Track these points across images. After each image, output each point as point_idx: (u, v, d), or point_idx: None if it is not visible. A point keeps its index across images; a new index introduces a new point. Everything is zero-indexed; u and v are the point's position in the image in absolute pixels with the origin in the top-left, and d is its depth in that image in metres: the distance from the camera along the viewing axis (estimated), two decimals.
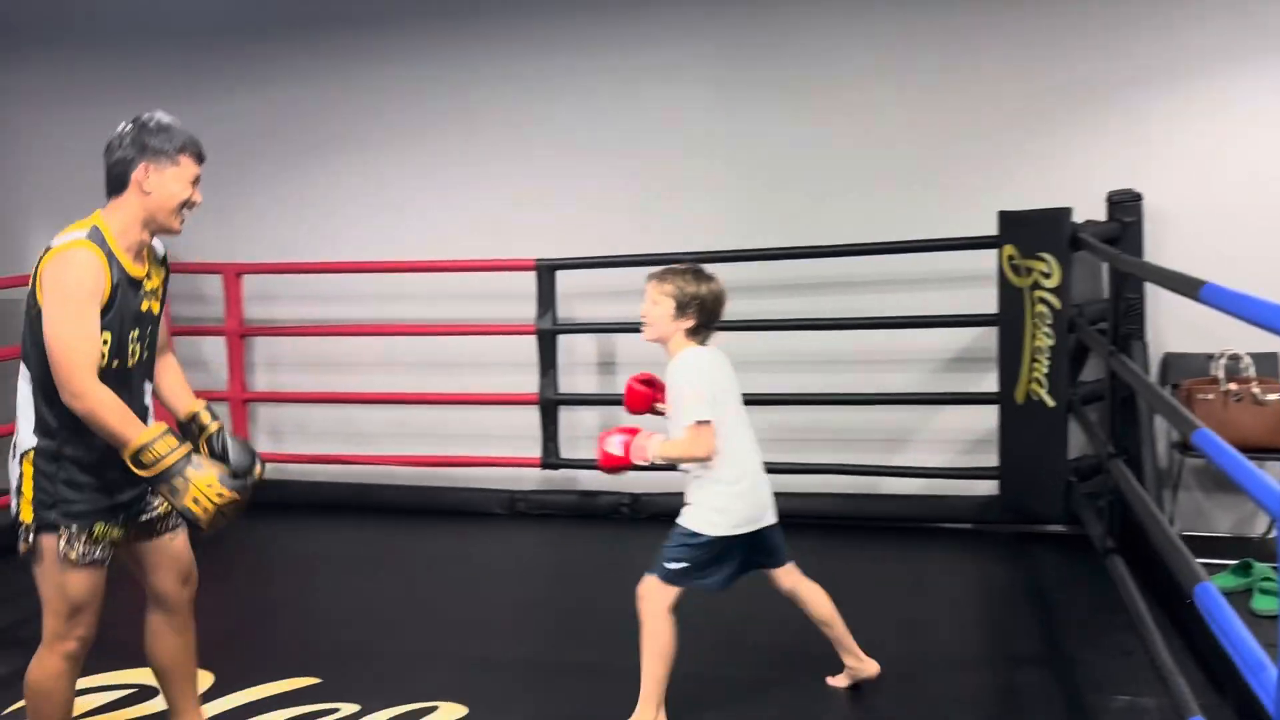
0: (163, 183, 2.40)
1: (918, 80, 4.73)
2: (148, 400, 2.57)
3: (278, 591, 3.96)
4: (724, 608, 4.08)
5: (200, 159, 2.48)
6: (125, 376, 2.44)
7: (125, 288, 2.40)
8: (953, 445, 4.81)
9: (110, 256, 2.36)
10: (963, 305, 4.63)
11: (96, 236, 2.36)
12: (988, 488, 4.66)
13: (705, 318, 2.88)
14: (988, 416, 4.61)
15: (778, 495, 4.91)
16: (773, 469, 4.72)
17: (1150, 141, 4.48)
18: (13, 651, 3.25)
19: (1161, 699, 2.96)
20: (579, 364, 5.17)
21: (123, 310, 2.40)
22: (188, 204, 2.45)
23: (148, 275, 2.49)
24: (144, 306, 2.48)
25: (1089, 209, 4.38)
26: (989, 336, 4.61)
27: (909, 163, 4.77)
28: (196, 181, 2.46)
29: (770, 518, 3.00)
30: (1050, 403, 4.05)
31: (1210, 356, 4.28)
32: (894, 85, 4.75)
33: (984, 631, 3.78)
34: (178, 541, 2.64)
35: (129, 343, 2.43)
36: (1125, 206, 4.30)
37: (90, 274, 2.32)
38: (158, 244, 2.56)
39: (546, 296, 4.82)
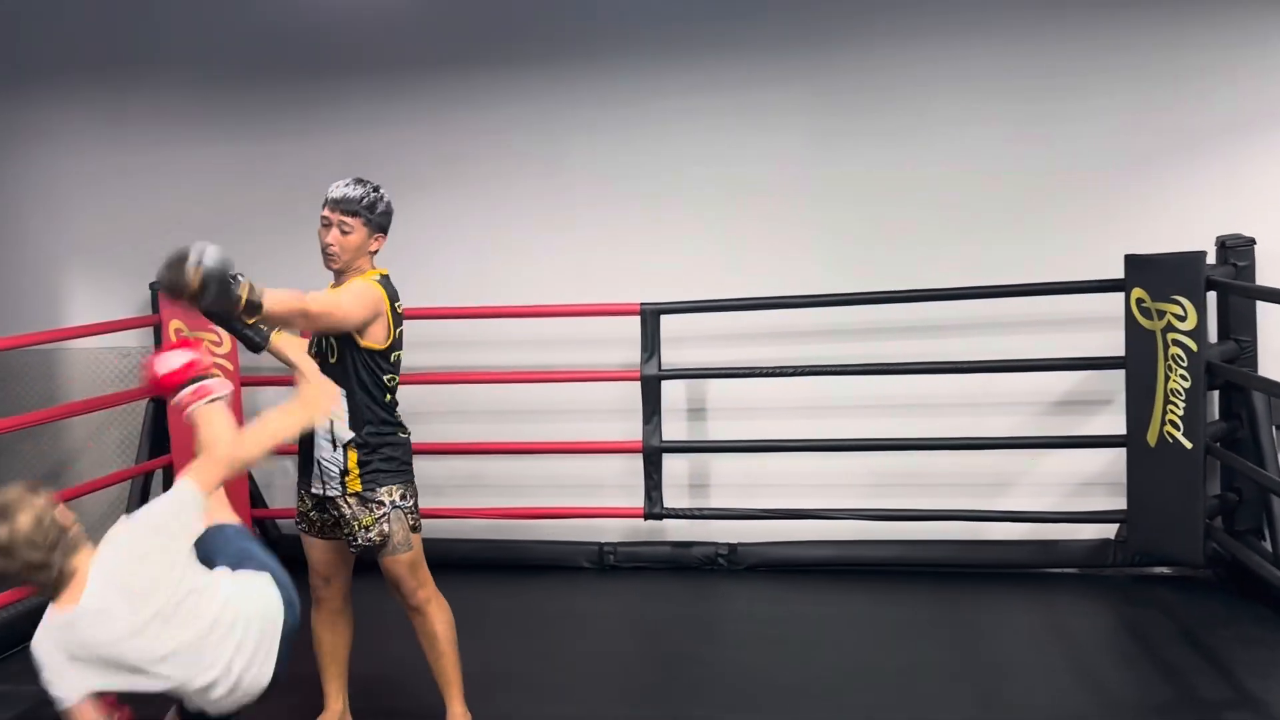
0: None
1: (1018, 124, 4.74)
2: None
3: (360, 652, 3.48)
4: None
5: (325, 203, 3.04)
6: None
7: None
8: (1060, 489, 4.79)
9: None
10: (1065, 349, 4.62)
11: None
12: (1096, 530, 4.66)
13: None
14: (1101, 459, 4.62)
15: (882, 543, 4.82)
16: (880, 515, 4.70)
17: (1258, 186, 4.56)
18: None
19: None
20: (669, 409, 5.00)
21: None
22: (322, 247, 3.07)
23: None
24: None
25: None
26: (1099, 379, 4.63)
27: (1008, 207, 4.79)
28: (326, 224, 3.05)
29: None
30: (1187, 444, 4.06)
31: None
32: (994, 128, 4.75)
33: (1153, 677, 3.68)
34: None
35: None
36: (1239, 250, 4.36)
37: None
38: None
39: (651, 341, 4.70)
